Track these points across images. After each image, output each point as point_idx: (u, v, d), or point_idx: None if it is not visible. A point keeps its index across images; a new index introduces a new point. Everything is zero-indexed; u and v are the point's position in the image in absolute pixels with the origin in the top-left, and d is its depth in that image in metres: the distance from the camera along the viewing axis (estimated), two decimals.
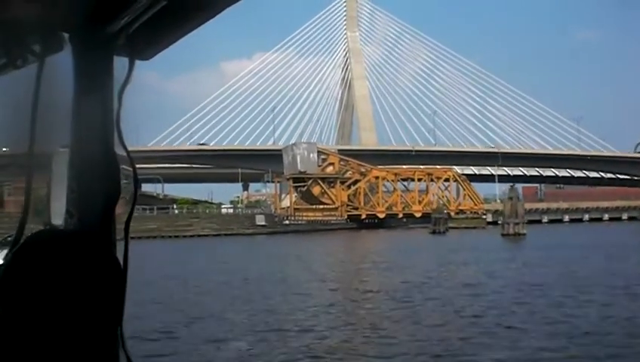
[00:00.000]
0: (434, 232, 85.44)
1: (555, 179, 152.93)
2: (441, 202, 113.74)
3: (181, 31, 1.79)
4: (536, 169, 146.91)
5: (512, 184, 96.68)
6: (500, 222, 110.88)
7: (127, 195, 1.74)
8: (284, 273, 35.57)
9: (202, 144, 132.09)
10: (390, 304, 23.12)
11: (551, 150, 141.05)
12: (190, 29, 1.77)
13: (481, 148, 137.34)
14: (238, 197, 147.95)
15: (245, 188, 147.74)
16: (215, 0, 1.65)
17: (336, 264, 43.08)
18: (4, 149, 2.49)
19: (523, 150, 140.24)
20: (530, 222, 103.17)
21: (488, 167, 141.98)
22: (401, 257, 44.44)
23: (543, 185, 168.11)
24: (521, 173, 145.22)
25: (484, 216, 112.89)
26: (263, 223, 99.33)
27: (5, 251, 1.85)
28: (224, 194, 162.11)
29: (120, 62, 1.76)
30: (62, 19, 1.74)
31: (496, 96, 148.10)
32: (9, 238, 1.89)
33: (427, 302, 23.43)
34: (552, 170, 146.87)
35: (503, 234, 72.74)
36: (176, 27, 1.78)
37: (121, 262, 1.59)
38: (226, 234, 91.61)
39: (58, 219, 1.78)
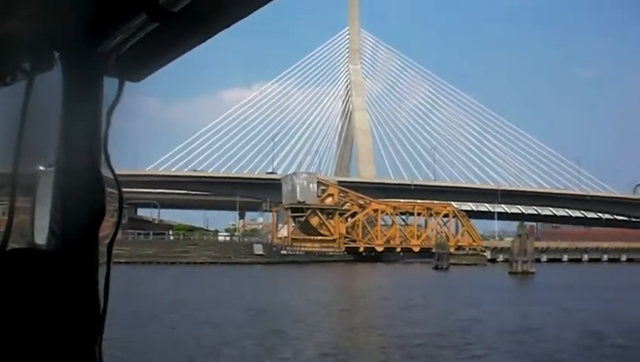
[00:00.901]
0: (437, 268, 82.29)
1: (553, 218, 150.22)
2: (441, 238, 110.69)
3: (172, 54, 1.79)
4: (534, 207, 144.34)
5: (520, 221, 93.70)
6: (499, 259, 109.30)
7: (113, 216, 1.71)
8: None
9: (197, 171, 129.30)
10: None
11: (549, 189, 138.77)
12: (181, 52, 1.77)
13: (479, 185, 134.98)
14: (234, 225, 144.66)
15: (242, 216, 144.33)
16: (206, 25, 1.65)
17: (352, 304, 39.78)
18: None
19: (522, 188, 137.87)
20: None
21: (486, 204, 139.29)
22: (416, 296, 41.20)
23: (539, 224, 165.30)
24: (519, 211, 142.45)
25: (483, 253, 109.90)
26: (261, 253, 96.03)
27: None
28: (220, 222, 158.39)
29: (110, 83, 1.74)
30: (53, 37, 1.72)
31: (495, 133, 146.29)
32: None
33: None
34: (550, 208, 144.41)
35: (510, 273, 69.56)
36: (166, 50, 1.77)
37: (103, 284, 1.56)
38: (223, 263, 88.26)
39: (41, 238, 1.75)
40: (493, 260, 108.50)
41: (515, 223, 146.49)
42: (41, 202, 1.83)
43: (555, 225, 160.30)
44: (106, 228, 1.69)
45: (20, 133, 1.66)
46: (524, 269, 69.44)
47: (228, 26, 1.64)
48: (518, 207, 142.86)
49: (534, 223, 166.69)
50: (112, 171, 1.68)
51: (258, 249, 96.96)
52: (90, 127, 1.70)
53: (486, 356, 18.80)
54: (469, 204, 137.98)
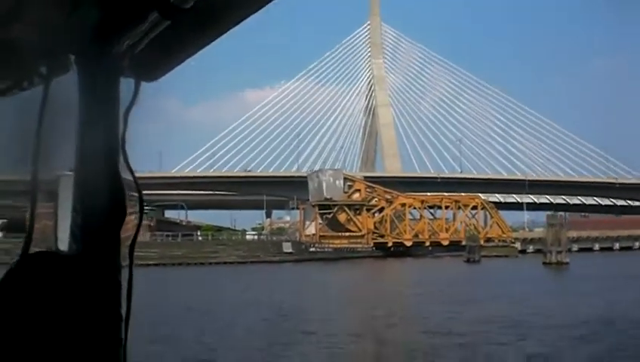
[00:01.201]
0: (468, 261, 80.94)
1: (582, 207, 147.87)
2: (470, 230, 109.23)
3: (186, 52, 1.78)
4: (563, 197, 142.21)
5: (552, 211, 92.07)
6: (529, 250, 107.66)
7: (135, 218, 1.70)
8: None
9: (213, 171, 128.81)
10: None
11: (578, 177, 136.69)
12: (195, 49, 1.76)
13: (507, 176, 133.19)
14: (260, 224, 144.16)
15: (268, 215, 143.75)
16: (218, 20, 1.64)
17: (396, 302, 38.76)
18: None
19: (549, 177, 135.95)
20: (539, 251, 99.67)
21: (514, 195, 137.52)
22: (459, 291, 40.08)
23: (567, 213, 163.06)
24: (548, 201, 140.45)
25: (513, 244, 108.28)
26: (290, 250, 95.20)
27: None
28: (246, 221, 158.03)
29: (127, 85, 1.73)
30: (67, 40, 1.71)
31: (521, 123, 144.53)
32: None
33: None
34: (579, 197, 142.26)
35: (544, 263, 68.14)
36: (180, 48, 1.77)
37: (126, 286, 1.57)
38: (252, 262, 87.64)
39: (63, 242, 1.74)
40: (523, 251, 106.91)
41: (543, 213, 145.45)
42: (63, 206, 1.81)
43: (583, 214, 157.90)
44: (128, 231, 1.68)
45: (37, 137, 1.65)
46: (559, 260, 68.03)
47: (241, 21, 1.61)
48: (547, 196, 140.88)
49: (562, 213, 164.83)
50: (132, 172, 1.67)
51: (287, 247, 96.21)
52: (108, 129, 1.69)
53: (549, 355, 17.77)
54: (497, 195, 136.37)
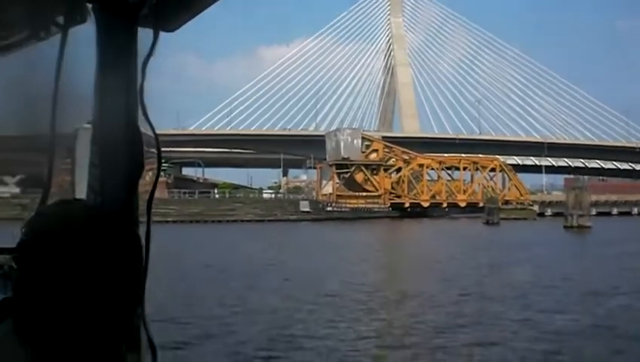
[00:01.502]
0: (487, 223, 79.91)
1: (600, 171, 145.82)
2: (488, 192, 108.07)
3: (205, 1, 1.72)
4: (581, 160, 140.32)
5: (571, 174, 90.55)
6: (547, 213, 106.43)
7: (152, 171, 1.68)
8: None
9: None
10: None
11: (597, 141, 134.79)
12: None
13: (525, 138, 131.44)
14: (276, 182, 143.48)
15: (285, 174, 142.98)
16: None
17: (424, 267, 37.92)
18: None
19: (568, 140, 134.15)
20: (558, 214, 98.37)
21: (532, 158, 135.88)
22: (482, 255, 39.11)
23: (586, 177, 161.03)
24: (566, 165, 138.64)
25: (531, 207, 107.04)
26: (307, 209, 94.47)
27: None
28: (263, 180, 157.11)
29: (145, 35, 1.68)
30: None
31: (540, 85, 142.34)
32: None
33: None
34: (597, 161, 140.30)
35: (565, 227, 67.02)
36: None
37: (143, 240, 1.51)
38: (269, 220, 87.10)
39: (81, 194, 1.71)
40: (541, 214, 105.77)
41: (561, 177, 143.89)
42: (81, 160, 1.77)
43: (602, 178, 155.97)
44: (145, 185, 1.65)
45: (55, 90, 1.61)
46: (580, 223, 66.87)
47: None
48: (565, 160, 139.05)
49: (580, 176, 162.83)
50: (150, 124, 1.63)
51: (304, 206, 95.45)
52: (126, 80, 1.64)
53: (595, 324, 16.82)
54: (514, 157, 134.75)
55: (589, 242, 51.81)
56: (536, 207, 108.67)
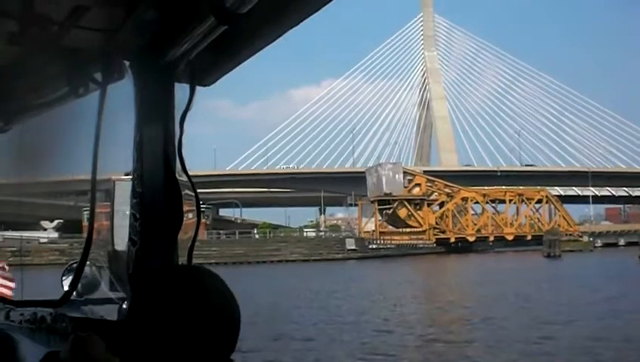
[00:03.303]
0: (549, 256, 74.19)
1: None
2: (534, 224, 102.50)
3: (241, 56, 1.74)
4: (624, 189, 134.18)
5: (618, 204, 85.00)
6: (598, 244, 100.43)
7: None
8: None
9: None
10: None
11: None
12: (250, 53, 1.72)
13: (569, 168, 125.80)
14: (312, 221, 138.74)
15: (322, 212, 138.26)
16: (275, 24, 1.58)
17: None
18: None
19: (611, 169, 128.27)
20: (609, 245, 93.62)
21: (574, 188, 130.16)
22: (582, 294, 33.58)
23: (626, 206, 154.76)
24: (609, 194, 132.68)
25: (580, 238, 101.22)
26: (354, 247, 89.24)
27: (71, 277, 1.86)
28: (299, 219, 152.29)
29: (181, 89, 1.72)
30: (123, 46, 1.72)
31: (578, 112, 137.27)
32: (74, 265, 1.89)
33: None
34: None
35: None
36: (236, 53, 1.73)
37: None
38: (315, 260, 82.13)
39: (121, 245, 1.74)
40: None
41: (601, 206, 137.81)
42: (120, 210, 1.80)
43: None
44: (186, 231, 1.64)
45: (95, 143, 1.65)
46: None
47: (296, 25, 1.53)
48: (608, 189, 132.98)
49: (621, 206, 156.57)
50: (188, 176, 1.66)
51: (350, 244, 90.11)
52: (164, 133, 1.66)
53: None
54: (556, 188, 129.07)
55: None
56: (585, 238, 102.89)
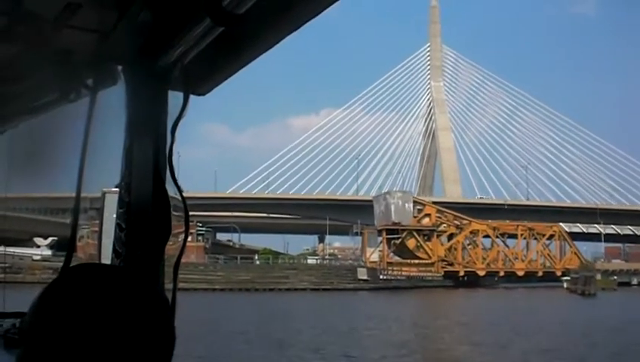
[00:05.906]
0: (583, 293, 67.67)
1: None
2: (549, 259, 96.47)
3: (238, 62, 1.66)
4: (629, 227, 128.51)
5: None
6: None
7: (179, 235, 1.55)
8: None
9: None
10: None
11: None
12: (248, 59, 1.64)
13: (576, 204, 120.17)
14: (308, 249, 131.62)
15: (321, 240, 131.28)
16: (274, 27, 1.49)
17: None
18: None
19: (617, 206, 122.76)
20: (621, 284, 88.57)
21: (579, 224, 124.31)
22: None
23: (626, 245, 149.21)
24: (614, 232, 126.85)
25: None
26: (365, 277, 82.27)
27: None
28: (297, 246, 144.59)
29: (175, 97, 1.61)
30: (115, 51, 1.63)
31: (584, 148, 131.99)
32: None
33: None
34: None
35: None
36: (233, 58, 1.64)
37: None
38: (325, 289, 75.26)
39: (106, 258, 1.63)
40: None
41: (604, 245, 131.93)
42: (108, 222, 1.76)
43: None
44: (173, 247, 1.54)
45: (83, 151, 1.54)
46: None
47: (297, 28, 1.45)
48: (613, 226, 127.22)
49: (621, 244, 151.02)
50: (178, 187, 1.54)
51: (362, 273, 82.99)
52: (155, 142, 1.56)
53: None
54: (560, 224, 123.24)
55: None
56: (599, 276, 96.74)
